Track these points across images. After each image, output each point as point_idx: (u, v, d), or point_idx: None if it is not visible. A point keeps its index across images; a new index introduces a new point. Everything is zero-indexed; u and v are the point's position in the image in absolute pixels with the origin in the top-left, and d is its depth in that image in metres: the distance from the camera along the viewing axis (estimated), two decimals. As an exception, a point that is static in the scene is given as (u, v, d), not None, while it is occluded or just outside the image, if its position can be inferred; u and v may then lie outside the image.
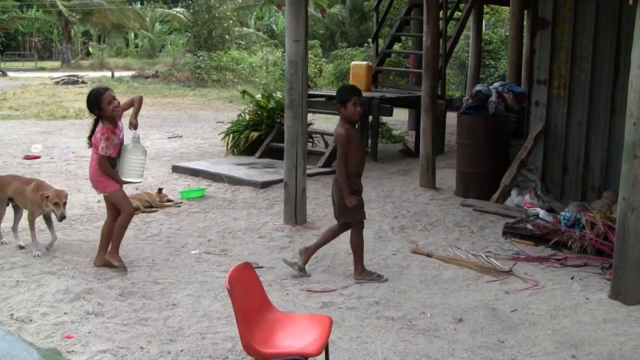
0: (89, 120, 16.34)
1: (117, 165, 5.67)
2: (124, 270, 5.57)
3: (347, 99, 5.34)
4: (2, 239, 6.32)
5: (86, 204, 7.93)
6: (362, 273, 5.57)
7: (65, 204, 5.86)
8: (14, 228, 6.32)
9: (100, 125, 5.55)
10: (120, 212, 5.69)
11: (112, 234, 5.70)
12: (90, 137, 5.70)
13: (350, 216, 5.51)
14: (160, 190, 8.17)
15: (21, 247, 6.14)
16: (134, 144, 5.67)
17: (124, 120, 5.76)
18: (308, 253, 5.70)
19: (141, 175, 5.86)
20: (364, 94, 11.33)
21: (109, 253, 5.68)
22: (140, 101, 5.82)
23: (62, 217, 5.82)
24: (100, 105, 5.51)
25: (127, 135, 5.77)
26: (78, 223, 7.12)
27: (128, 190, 8.57)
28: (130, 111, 5.76)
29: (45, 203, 5.80)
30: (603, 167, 7.64)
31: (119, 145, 5.64)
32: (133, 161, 5.67)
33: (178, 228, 7.03)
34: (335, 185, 5.51)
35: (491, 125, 8.64)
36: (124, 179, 5.67)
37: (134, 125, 5.66)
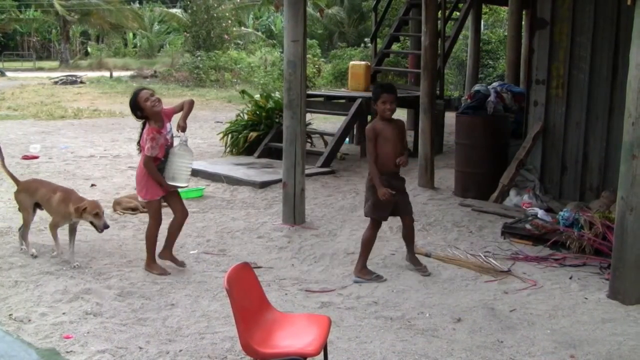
0: (88, 120, 16.41)
1: (164, 168, 5.54)
2: (164, 275, 5.57)
3: (377, 96, 5.53)
4: (30, 250, 5.96)
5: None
6: (361, 271, 5.57)
7: (103, 212, 5.74)
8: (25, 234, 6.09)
9: (147, 127, 5.48)
10: (178, 213, 5.75)
11: (172, 229, 5.76)
12: (139, 142, 5.60)
13: (371, 211, 5.61)
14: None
15: (34, 256, 5.91)
16: (181, 147, 5.54)
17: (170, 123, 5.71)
18: (358, 267, 5.64)
19: (187, 180, 5.71)
20: (362, 94, 11.41)
21: (145, 264, 5.71)
22: (190, 104, 5.72)
23: (105, 227, 5.67)
24: (139, 105, 5.44)
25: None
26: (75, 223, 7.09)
27: (126, 190, 8.59)
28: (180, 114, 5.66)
29: (84, 215, 5.61)
30: (601, 167, 7.64)
31: (165, 146, 5.52)
32: (179, 165, 5.53)
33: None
34: (367, 181, 5.71)
35: (490, 125, 8.65)
36: (169, 183, 5.54)
37: (181, 128, 5.54)
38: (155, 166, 5.47)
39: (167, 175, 5.52)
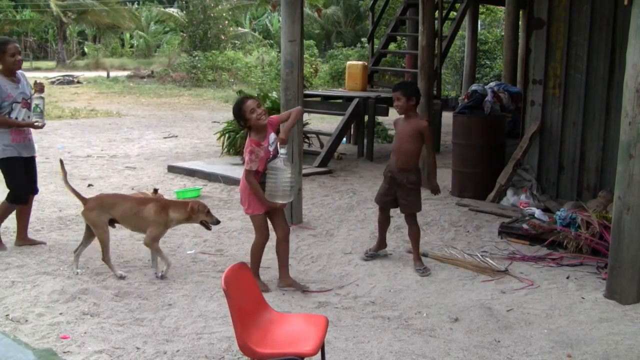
0: (85, 120, 16.38)
1: (265, 182, 5.14)
2: (265, 291, 5.03)
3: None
4: (118, 272, 5.50)
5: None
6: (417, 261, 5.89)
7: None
8: (79, 253, 5.66)
9: (247, 138, 5.16)
10: (279, 231, 5.33)
11: (278, 252, 5.37)
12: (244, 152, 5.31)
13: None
14: (155, 190, 8.11)
15: (122, 277, 5.48)
16: (280, 161, 5.06)
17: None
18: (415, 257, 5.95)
19: (289, 196, 5.19)
20: (359, 93, 11.41)
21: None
22: (297, 114, 5.39)
23: (217, 222, 5.56)
24: (243, 115, 5.04)
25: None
26: (73, 223, 7.10)
27: (124, 190, 8.57)
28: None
29: (195, 216, 5.44)
30: (598, 167, 7.65)
31: (266, 159, 5.09)
32: (278, 179, 5.05)
33: (174, 228, 7.00)
34: None
35: (487, 125, 8.65)
36: (269, 200, 5.12)
37: (281, 141, 5.11)
38: (256, 181, 5.10)
39: (267, 191, 5.10)
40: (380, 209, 6.16)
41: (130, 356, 4.11)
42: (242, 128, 5.24)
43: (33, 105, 6.01)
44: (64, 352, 4.13)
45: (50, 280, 5.33)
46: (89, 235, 5.62)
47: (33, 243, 6.28)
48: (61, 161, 6.08)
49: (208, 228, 5.62)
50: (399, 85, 6.06)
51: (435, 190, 6.07)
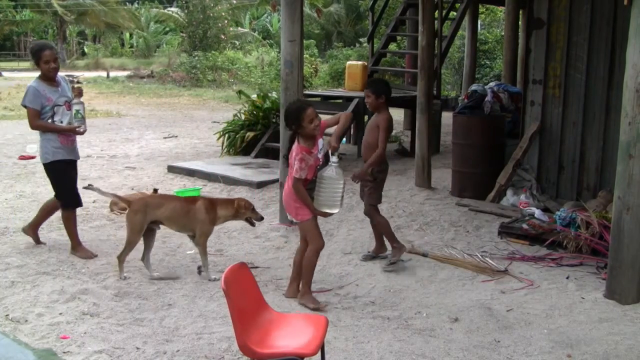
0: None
1: (312, 188, 4.92)
2: (321, 310, 4.83)
3: None
4: (151, 272, 5.53)
5: (81, 204, 7.90)
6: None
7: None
8: (146, 258, 5.60)
9: (295, 144, 4.89)
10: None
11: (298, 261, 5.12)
12: (286, 156, 5.12)
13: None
14: (155, 190, 8.14)
15: (159, 278, 5.50)
16: (332, 170, 4.80)
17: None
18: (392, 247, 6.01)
19: (339, 205, 4.95)
20: (359, 93, 11.38)
21: (300, 294, 5.00)
22: (347, 119, 5.20)
23: (262, 219, 5.62)
24: (300, 122, 4.79)
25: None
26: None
27: (123, 190, 8.57)
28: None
29: (241, 213, 5.46)
30: (598, 167, 7.65)
31: (315, 167, 4.91)
32: (330, 189, 4.82)
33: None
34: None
35: (487, 125, 8.65)
36: (319, 209, 4.90)
37: (333, 149, 4.89)
38: (304, 189, 4.88)
39: (317, 200, 4.87)
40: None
41: (130, 356, 4.11)
42: (290, 130, 4.95)
43: (74, 111, 5.91)
44: (64, 352, 4.13)
45: (50, 280, 5.33)
46: (150, 239, 5.59)
47: (37, 240, 6.27)
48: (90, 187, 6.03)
49: (252, 224, 5.66)
50: (369, 83, 6.23)
51: (355, 177, 5.79)
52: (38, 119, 5.81)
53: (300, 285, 5.04)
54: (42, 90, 5.80)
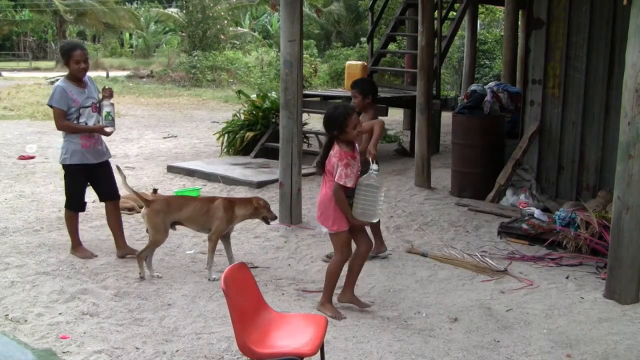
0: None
1: (350, 196, 4.69)
2: (338, 319, 4.71)
3: None
4: (152, 272, 5.51)
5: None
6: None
7: None
8: (148, 258, 5.55)
9: (336, 148, 4.64)
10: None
11: (353, 266, 4.90)
12: (321, 163, 4.79)
13: None
14: (155, 190, 8.13)
15: (159, 277, 5.51)
16: (372, 177, 4.65)
17: None
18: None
19: (379, 214, 4.82)
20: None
21: (320, 302, 4.86)
22: (381, 128, 5.18)
23: (275, 217, 5.76)
24: (344, 128, 4.58)
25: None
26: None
27: (122, 190, 8.56)
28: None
29: (258, 212, 5.52)
30: (598, 167, 7.65)
31: (357, 175, 4.69)
32: (370, 197, 4.63)
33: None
34: None
35: (486, 125, 8.65)
36: (358, 218, 4.69)
37: (372, 156, 4.82)
38: (345, 197, 4.64)
39: (356, 209, 4.65)
40: None
41: (130, 356, 4.11)
42: (330, 135, 4.74)
43: (104, 113, 5.85)
44: (64, 352, 4.13)
45: (50, 280, 5.33)
46: (227, 244, 5.69)
47: (132, 252, 5.92)
48: (118, 167, 6.08)
49: (267, 223, 5.73)
50: (355, 83, 6.16)
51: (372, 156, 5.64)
52: (64, 119, 5.76)
53: (322, 296, 4.88)
54: (69, 91, 5.75)
